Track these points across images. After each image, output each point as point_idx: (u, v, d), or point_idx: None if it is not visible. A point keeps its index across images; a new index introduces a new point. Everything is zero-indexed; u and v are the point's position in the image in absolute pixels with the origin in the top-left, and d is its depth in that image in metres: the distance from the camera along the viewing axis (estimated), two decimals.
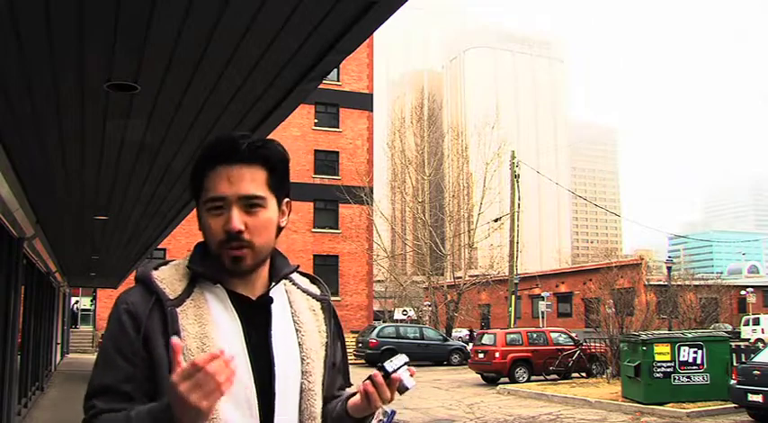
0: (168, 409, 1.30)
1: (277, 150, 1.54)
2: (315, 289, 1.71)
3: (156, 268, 1.54)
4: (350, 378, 1.78)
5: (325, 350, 1.64)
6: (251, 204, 1.49)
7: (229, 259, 1.48)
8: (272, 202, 1.53)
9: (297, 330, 1.59)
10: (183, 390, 1.25)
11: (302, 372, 1.57)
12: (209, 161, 1.50)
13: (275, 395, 1.50)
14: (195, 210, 1.59)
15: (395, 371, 1.55)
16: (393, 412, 1.64)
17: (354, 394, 1.63)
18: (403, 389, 1.56)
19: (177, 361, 1.29)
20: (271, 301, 1.56)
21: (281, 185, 1.56)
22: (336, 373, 1.70)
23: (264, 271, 1.58)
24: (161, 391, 1.40)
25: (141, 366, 1.44)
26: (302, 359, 1.57)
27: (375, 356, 27.51)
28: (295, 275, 1.67)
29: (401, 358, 1.58)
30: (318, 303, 1.68)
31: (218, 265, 1.51)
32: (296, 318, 1.61)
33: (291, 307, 1.62)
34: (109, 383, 1.45)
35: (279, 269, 1.60)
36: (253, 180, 1.49)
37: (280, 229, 1.56)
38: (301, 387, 1.56)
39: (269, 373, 1.50)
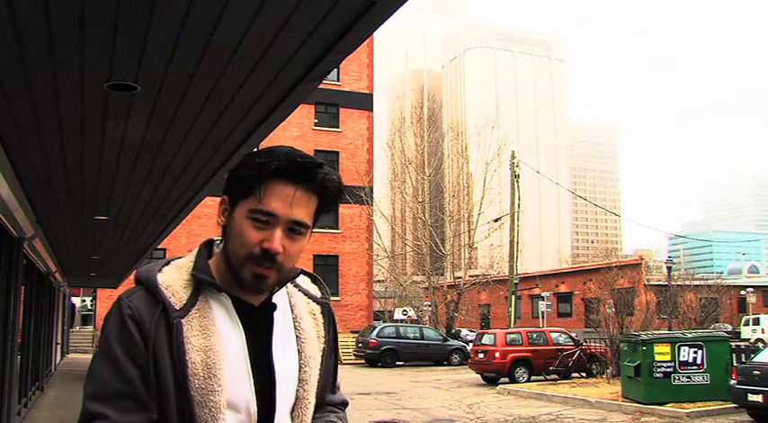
0: None
1: (338, 185, 1.52)
2: (315, 290, 1.68)
3: (159, 270, 1.49)
4: (337, 382, 1.75)
5: (322, 357, 1.62)
6: (294, 230, 1.46)
7: (252, 276, 1.45)
8: (308, 230, 1.50)
9: (297, 337, 1.58)
10: None
11: (299, 379, 1.55)
12: (278, 174, 1.45)
13: (275, 403, 1.49)
14: (218, 205, 1.52)
15: None
16: None
17: None
18: None
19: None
20: (274, 307, 1.54)
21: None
22: (328, 379, 1.68)
23: None
24: (165, 403, 1.40)
25: (150, 375, 1.40)
26: (300, 367, 1.56)
27: (375, 356, 27.53)
28: None
29: None
30: (319, 307, 1.66)
31: (230, 275, 1.48)
32: (297, 324, 1.59)
33: (292, 311, 1.60)
34: (122, 389, 1.38)
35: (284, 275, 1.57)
36: (307, 207, 1.47)
37: None
38: (297, 395, 1.55)
39: (269, 380, 1.49)
